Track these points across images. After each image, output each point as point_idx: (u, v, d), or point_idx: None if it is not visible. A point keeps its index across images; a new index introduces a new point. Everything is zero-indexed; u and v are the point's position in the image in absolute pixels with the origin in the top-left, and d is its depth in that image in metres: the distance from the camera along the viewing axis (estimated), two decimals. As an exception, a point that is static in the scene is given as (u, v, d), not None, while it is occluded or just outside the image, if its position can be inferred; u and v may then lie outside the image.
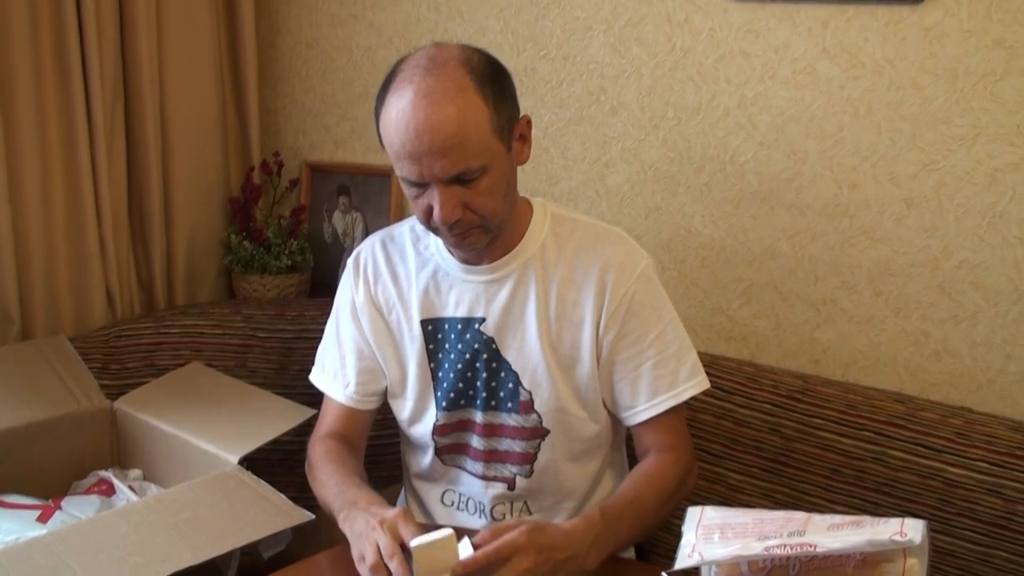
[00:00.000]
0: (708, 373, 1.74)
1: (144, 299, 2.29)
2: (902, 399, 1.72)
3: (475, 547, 1.20)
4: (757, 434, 1.80)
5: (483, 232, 1.39)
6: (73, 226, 2.09)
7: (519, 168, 1.46)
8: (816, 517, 1.06)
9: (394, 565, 1.19)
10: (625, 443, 1.66)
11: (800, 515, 1.07)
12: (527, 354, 1.47)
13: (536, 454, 1.50)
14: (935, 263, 1.75)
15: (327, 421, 1.59)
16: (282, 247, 2.33)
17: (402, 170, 1.34)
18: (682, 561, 1.06)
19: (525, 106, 2.06)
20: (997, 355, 1.72)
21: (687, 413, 1.56)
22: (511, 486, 1.53)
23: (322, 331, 1.66)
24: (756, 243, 1.91)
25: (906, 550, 1.02)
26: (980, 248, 1.70)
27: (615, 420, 1.55)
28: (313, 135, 2.47)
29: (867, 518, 1.04)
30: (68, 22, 1.99)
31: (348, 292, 1.59)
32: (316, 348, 1.66)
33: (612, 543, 1.32)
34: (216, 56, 2.36)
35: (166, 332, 2.09)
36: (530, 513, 1.56)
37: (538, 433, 1.49)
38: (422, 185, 1.34)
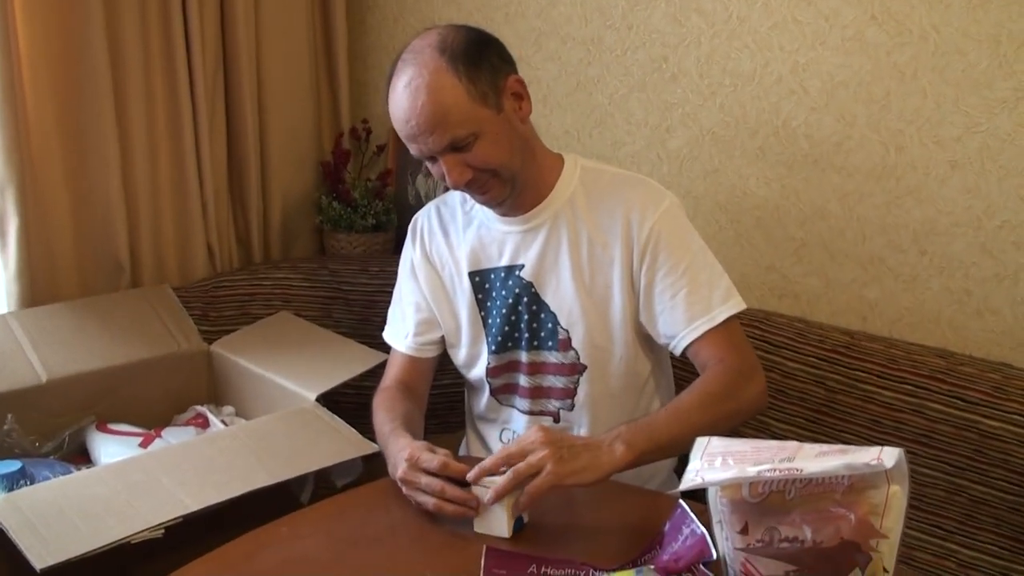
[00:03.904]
0: (759, 328, 1.80)
1: (242, 254, 2.49)
2: (943, 355, 1.78)
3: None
4: (803, 386, 1.88)
5: (500, 183, 1.52)
6: (178, 189, 2.29)
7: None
8: (807, 446, 1.15)
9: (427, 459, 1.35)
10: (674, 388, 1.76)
11: (793, 444, 1.16)
12: (563, 296, 1.60)
13: (576, 388, 1.63)
14: (978, 223, 1.80)
15: (391, 371, 1.75)
16: (368, 208, 2.49)
17: (410, 150, 1.51)
18: (686, 483, 1.16)
19: (592, 75, 2.20)
20: (1038, 313, 1.77)
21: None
22: (556, 419, 1.66)
23: (403, 286, 1.81)
24: (807, 204, 1.98)
25: (889, 477, 1.10)
26: (1021, 209, 1.75)
27: (657, 361, 1.66)
28: (399, 103, 2.62)
29: (852, 447, 1.13)
30: (173, 3, 2.18)
31: (408, 253, 1.75)
32: (396, 302, 1.81)
33: (644, 439, 1.35)
34: (310, 32, 2.54)
35: (259, 284, 2.29)
36: None
37: (577, 369, 1.62)
38: (431, 159, 1.50)
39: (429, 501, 1.34)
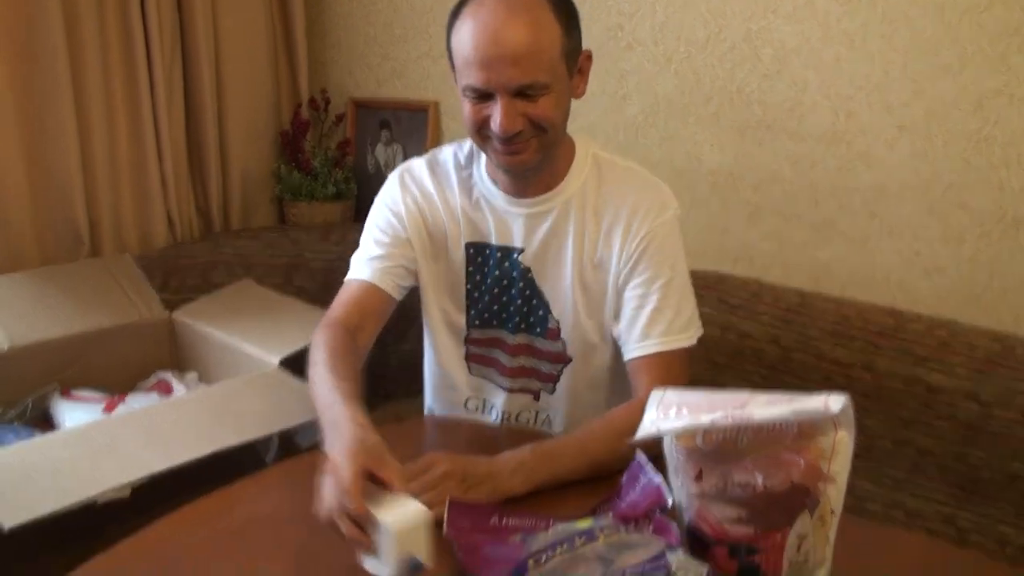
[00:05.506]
0: (715, 290, 1.84)
1: (202, 225, 2.49)
2: (892, 313, 1.83)
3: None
4: (758, 345, 1.91)
5: (538, 146, 1.42)
6: (136, 158, 2.28)
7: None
8: (758, 395, 1.19)
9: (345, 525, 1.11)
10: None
11: (745, 394, 1.20)
12: (560, 287, 1.55)
13: (559, 376, 1.60)
14: (925, 186, 1.85)
15: (341, 304, 1.56)
16: (328, 176, 2.50)
17: (470, 78, 1.35)
18: (642, 432, 1.19)
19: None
20: (982, 272, 1.83)
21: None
22: (536, 397, 1.64)
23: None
24: (761, 168, 2.02)
25: (836, 423, 1.14)
26: (967, 171, 1.80)
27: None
28: (357, 74, 2.63)
29: (801, 395, 1.17)
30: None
31: (395, 198, 1.60)
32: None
33: (545, 473, 1.32)
34: (266, 1, 2.53)
35: (221, 252, 2.30)
36: (551, 428, 1.66)
37: (562, 359, 1.59)
38: (486, 96, 1.36)
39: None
